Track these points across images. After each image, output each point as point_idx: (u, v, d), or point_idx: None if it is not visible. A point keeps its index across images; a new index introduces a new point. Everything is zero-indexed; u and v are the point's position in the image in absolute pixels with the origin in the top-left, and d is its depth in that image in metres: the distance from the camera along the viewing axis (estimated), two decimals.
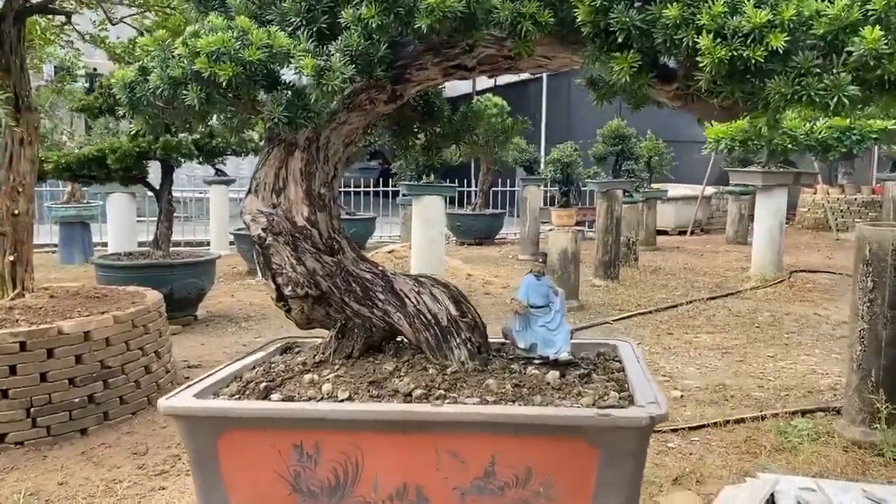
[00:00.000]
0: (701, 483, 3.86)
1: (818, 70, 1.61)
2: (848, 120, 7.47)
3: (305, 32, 2.08)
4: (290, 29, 2.14)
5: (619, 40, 1.77)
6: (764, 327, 7.38)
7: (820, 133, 7.59)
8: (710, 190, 16.56)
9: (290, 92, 2.08)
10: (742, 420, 4.64)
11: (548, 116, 20.48)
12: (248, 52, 1.97)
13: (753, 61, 1.62)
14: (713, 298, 8.72)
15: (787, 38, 1.61)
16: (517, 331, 2.38)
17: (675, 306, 8.26)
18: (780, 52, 1.62)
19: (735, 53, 1.62)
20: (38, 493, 3.73)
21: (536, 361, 2.36)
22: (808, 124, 7.76)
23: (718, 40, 1.64)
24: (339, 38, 2.06)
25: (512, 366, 2.37)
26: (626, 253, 10.47)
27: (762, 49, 1.61)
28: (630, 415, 1.91)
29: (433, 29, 2.16)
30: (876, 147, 14.72)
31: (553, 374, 2.25)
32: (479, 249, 14.03)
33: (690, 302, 8.44)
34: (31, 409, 4.22)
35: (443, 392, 2.14)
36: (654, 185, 13.59)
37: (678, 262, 11.79)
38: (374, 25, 1.91)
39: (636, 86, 1.82)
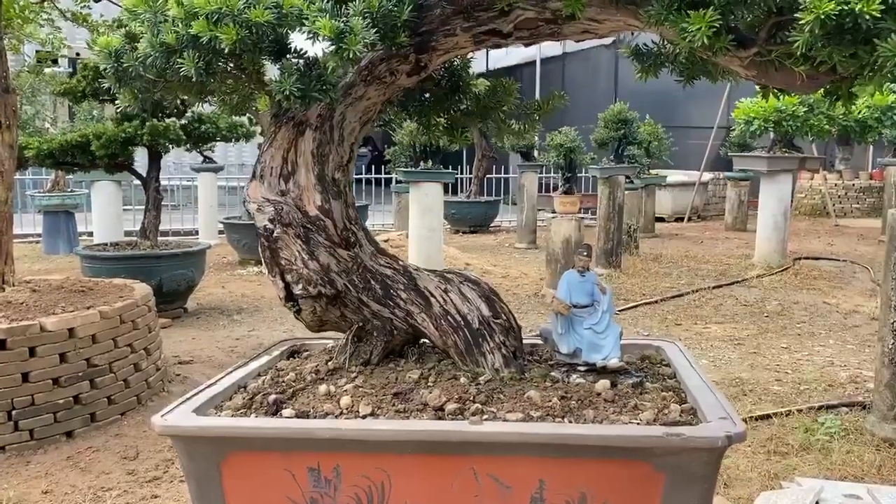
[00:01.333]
0: (729, 486, 3.65)
1: None
2: (891, 97, 7.16)
3: None
4: None
5: None
6: (774, 317, 7.19)
7: (859, 112, 7.28)
8: (706, 176, 16.34)
9: (301, 61, 1.79)
10: (766, 416, 4.43)
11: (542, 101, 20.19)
12: (255, 13, 1.68)
13: (868, 17, 1.35)
14: (718, 287, 8.51)
15: None
16: (559, 334, 2.11)
17: (681, 295, 8.06)
18: None
19: (845, 8, 1.35)
20: (22, 503, 3.50)
21: (581, 368, 2.09)
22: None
23: None
24: None
25: (553, 373, 2.10)
26: (627, 241, 10.23)
27: (879, 2, 1.34)
28: (704, 434, 1.65)
29: None
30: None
31: (603, 384, 1.98)
32: (474, 238, 13.78)
33: (696, 291, 8.23)
34: (13, 412, 4.01)
35: (479, 406, 1.86)
36: (653, 171, 13.36)
37: (679, 249, 11.58)
38: None
39: (714, 50, 1.55)
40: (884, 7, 1.35)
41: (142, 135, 6.61)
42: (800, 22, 1.42)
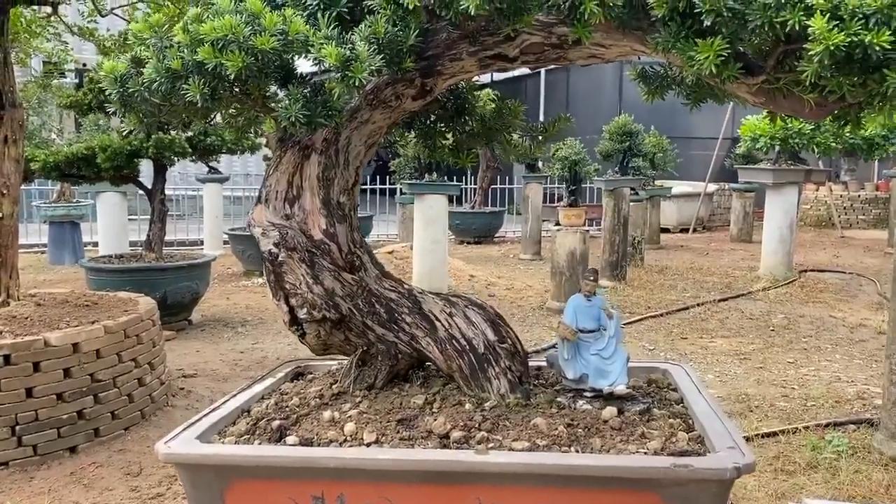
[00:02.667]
0: None
1: None
2: None
3: (324, 17, 1.78)
4: (305, 14, 1.85)
5: (707, 24, 1.49)
6: (780, 331, 7.14)
7: (866, 131, 7.27)
8: (711, 187, 16.30)
9: (307, 87, 1.79)
10: (772, 434, 4.39)
11: (546, 113, 20.22)
12: (260, 40, 1.67)
13: (878, 48, 1.34)
14: (724, 300, 8.47)
15: None
16: (565, 359, 2.09)
17: (686, 308, 8.01)
18: None
19: (854, 39, 1.34)
20: None
21: (588, 394, 2.07)
22: None
23: (835, 23, 1.35)
24: (363, 23, 1.78)
25: (559, 399, 2.08)
26: (632, 252, 10.20)
27: (889, 34, 1.33)
28: (712, 465, 1.63)
29: (470, 15, 1.87)
30: None
31: (610, 411, 1.96)
32: (478, 249, 13.75)
33: (701, 304, 8.18)
34: (17, 427, 3.97)
35: (485, 434, 1.85)
36: (658, 182, 13.33)
37: (684, 261, 11.54)
38: (409, 6, 1.62)
39: (722, 78, 1.54)
40: (894, 38, 1.34)
41: (147, 147, 6.61)
42: (809, 52, 1.40)
